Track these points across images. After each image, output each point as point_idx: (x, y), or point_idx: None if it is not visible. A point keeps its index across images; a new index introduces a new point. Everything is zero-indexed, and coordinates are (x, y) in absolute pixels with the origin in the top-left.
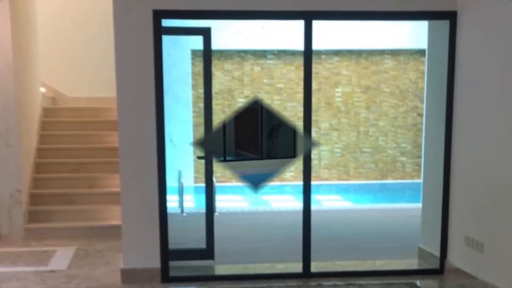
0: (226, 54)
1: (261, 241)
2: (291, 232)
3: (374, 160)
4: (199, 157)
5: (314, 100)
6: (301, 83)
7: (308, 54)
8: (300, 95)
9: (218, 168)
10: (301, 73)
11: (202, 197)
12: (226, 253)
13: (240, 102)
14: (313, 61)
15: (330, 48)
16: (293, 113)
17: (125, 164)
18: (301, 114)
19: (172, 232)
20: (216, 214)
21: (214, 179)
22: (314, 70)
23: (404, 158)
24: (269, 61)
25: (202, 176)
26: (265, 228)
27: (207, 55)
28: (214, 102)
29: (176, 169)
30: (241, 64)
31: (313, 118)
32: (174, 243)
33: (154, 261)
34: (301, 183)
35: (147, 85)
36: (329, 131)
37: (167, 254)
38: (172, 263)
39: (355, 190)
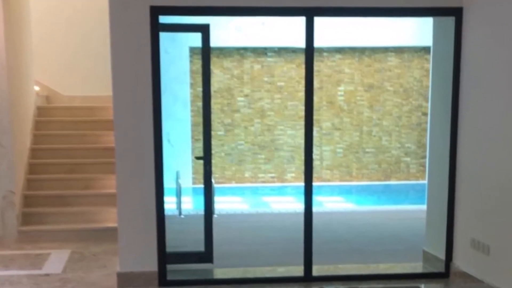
0: (225, 52)
1: (261, 244)
2: (292, 234)
3: (378, 161)
4: (198, 158)
5: (315, 99)
6: (302, 82)
7: (309, 51)
8: (301, 94)
9: (217, 169)
10: (302, 71)
11: (201, 199)
12: (225, 256)
13: (240, 101)
14: (315, 58)
15: (332, 46)
16: (294, 112)
17: (122, 164)
18: (303, 113)
19: (170, 234)
20: (215, 216)
21: (213, 180)
22: (315, 68)
23: (408, 159)
24: (269, 59)
25: (200, 177)
26: (265, 231)
27: (205, 53)
28: (213, 101)
29: (173, 169)
30: (240, 62)
31: (315, 117)
32: (171, 246)
33: (151, 265)
34: (302, 184)
35: (144, 83)
36: (331, 130)
37: (164, 257)
38: (169, 267)
39: (358, 191)
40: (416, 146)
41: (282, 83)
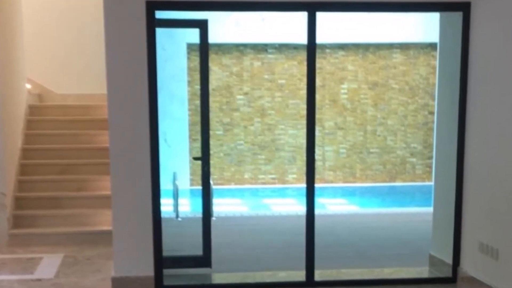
0: (224, 48)
1: (261, 248)
2: (293, 238)
3: (382, 161)
4: (195, 158)
5: (318, 97)
6: (304, 79)
7: (311, 48)
8: (303, 92)
9: (216, 170)
10: (304, 68)
11: (199, 201)
12: (224, 260)
13: (239, 99)
14: (317, 55)
15: (335, 42)
16: (295, 111)
17: (116, 165)
18: (304, 112)
19: (167, 238)
20: (213, 218)
21: (211, 182)
22: (318, 65)
23: (414, 159)
24: (270, 56)
25: (198, 178)
26: (265, 234)
27: (203, 49)
28: (211, 99)
29: (170, 170)
30: (240, 59)
31: (317, 116)
32: (168, 249)
33: (147, 269)
34: (304, 185)
35: (139, 81)
36: (334, 130)
37: (161, 261)
38: (166, 271)
39: (362, 193)
40: (422, 146)
41: (283, 81)
